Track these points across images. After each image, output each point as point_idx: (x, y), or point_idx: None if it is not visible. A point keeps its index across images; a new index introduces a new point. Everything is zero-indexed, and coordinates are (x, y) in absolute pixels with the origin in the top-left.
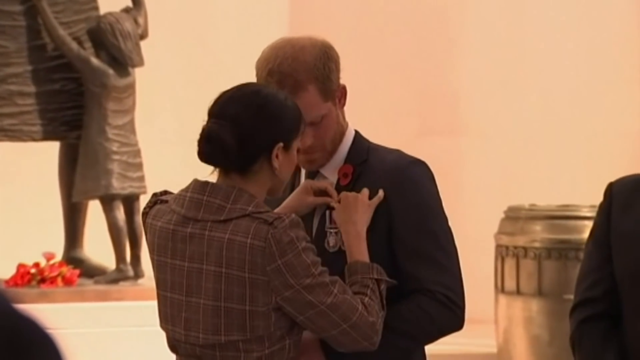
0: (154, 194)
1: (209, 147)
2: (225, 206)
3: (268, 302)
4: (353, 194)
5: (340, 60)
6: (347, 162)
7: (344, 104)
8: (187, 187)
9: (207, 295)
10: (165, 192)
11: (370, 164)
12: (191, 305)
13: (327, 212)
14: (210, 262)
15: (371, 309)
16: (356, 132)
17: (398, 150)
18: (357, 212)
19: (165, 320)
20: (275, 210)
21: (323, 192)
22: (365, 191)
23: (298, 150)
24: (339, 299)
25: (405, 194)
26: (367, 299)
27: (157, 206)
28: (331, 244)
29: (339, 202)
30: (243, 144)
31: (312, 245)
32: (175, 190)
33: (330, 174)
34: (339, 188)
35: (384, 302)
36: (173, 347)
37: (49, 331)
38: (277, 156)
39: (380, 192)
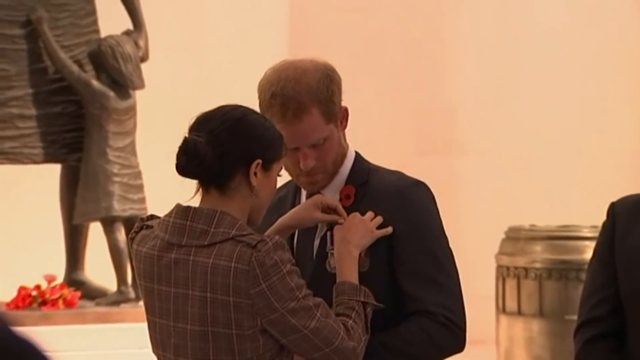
0: (140, 219)
1: (186, 159)
2: (209, 230)
3: (253, 325)
4: (359, 216)
5: (341, 82)
6: (348, 183)
7: (345, 126)
8: (170, 212)
9: (194, 320)
10: (152, 217)
11: (372, 185)
12: (178, 330)
13: (329, 234)
14: (195, 287)
15: (354, 333)
16: (356, 153)
17: (399, 172)
18: (355, 234)
19: (156, 345)
20: (280, 220)
21: (332, 210)
22: (370, 214)
23: (302, 175)
24: (321, 323)
25: (406, 215)
26: (351, 322)
27: (142, 232)
28: (332, 265)
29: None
30: (220, 156)
31: (297, 267)
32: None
33: (332, 195)
34: None
35: (369, 325)
36: None
37: (48, 354)
38: (255, 174)
39: (390, 228)
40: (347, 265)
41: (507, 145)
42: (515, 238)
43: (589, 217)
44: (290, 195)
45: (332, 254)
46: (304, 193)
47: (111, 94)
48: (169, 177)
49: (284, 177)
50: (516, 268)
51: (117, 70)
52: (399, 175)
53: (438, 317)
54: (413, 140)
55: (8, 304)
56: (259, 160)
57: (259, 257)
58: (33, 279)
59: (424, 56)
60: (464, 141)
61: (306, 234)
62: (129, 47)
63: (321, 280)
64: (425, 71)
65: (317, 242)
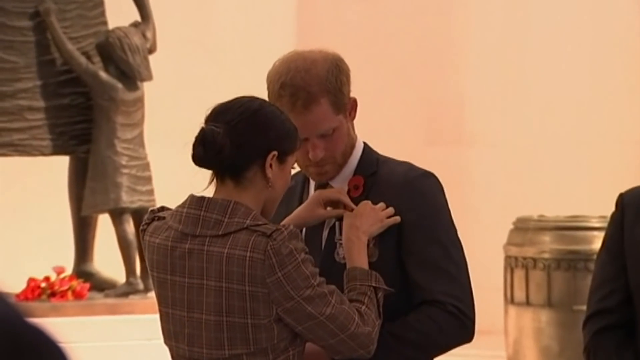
0: (151, 211)
1: (203, 150)
2: (223, 220)
3: (269, 314)
4: (370, 205)
5: (349, 72)
6: (356, 173)
7: (354, 117)
8: (184, 203)
9: (209, 310)
10: (162, 209)
11: (380, 176)
12: (193, 321)
13: (337, 224)
14: (210, 277)
15: (368, 318)
16: (365, 143)
17: (407, 162)
18: (364, 220)
19: (169, 336)
20: (285, 220)
21: (334, 203)
22: (382, 205)
23: (310, 166)
24: (337, 310)
25: (415, 206)
26: (364, 307)
27: (154, 223)
28: (341, 255)
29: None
30: (237, 147)
31: (310, 256)
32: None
33: (340, 186)
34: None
35: (381, 310)
36: None
37: (60, 344)
38: (270, 165)
39: (398, 218)
40: (356, 251)
41: (515, 136)
42: (524, 228)
43: (598, 207)
44: (298, 186)
45: (341, 244)
46: (312, 184)
47: (119, 85)
48: (177, 169)
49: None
50: (524, 258)
51: (124, 62)
52: (408, 166)
53: (447, 307)
54: (422, 131)
55: (17, 296)
56: (275, 152)
57: (275, 245)
58: (42, 271)
59: (433, 47)
60: (472, 132)
61: (314, 225)
62: (136, 39)
63: (330, 270)
64: (435, 62)
65: (325, 233)
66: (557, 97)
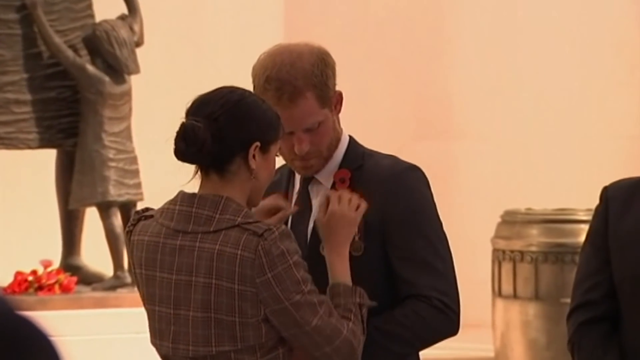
0: (136, 212)
1: (185, 145)
2: (214, 217)
3: (257, 313)
4: (338, 211)
5: (336, 65)
6: (342, 167)
7: (339, 110)
8: (175, 200)
9: (196, 306)
10: (147, 209)
11: (366, 169)
12: (180, 318)
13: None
14: (199, 274)
15: (354, 335)
16: (350, 137)
17: (393, 156)
18: (339, 232)
19: (154, 334)
20: None
21: (276, 209)
22: (346, 196)
23: (296, 159)
24: (324, 322)
25: (400, 199)
26: (350, 324)
27: (141, 222)
28: (324, 249)
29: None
30: (218, 141)
31: (304, 261)
32: (169, 197)
33: (326, 180)
34: None
35: (365, 325)
36: None
37: (50, 336)
38: (254, 156)
39: (365, 203)
40: (338, 266)
41: (503, 129)
42: (511, 222)
43: (585, 200)
44: (284, 180)
45: None
46: (297, 177)
47: (106, 79)
48: (165, 162)
49: (279, 160)
50: (512, 252)
51: (112, 55)
52: (393, 160)
53: (433, 301)
54: (410, 125)
55: (5, 289)
56: (257, 143)
57: (266, 245)
58: (29, 264)
59: (421, 41)
60: (461, 126)
61: (300, 219)
62: (124, 32)
63: (316, 264)
64: (423, 56)
65: (310, 226)
66: (546, 91)
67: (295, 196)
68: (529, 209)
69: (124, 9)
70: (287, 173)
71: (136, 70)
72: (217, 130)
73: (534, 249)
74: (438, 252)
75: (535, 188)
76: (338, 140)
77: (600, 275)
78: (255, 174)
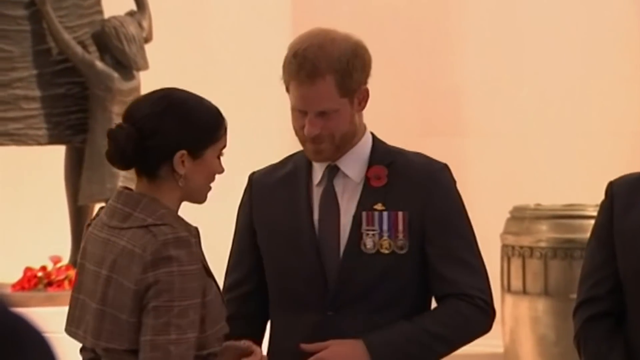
0: (100, 208)
1: (109, 149)
2: (132, 214)
3: (138, 314)
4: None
5: (371, 64)
6: (373, 163)
7: (363, 107)
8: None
9: (97, 298)
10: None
11: (399, 166)
12: (89, 307)
13: (364, 214)
14: (105, 267)
15: None
16: (372, 134)
17: (419, 153)
18: None
19: (71, 322)
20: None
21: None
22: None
23: (307, 141)
24: (159, 344)
25: (439, 199)
26: None
27: (98, 217)
28: (368, 246)
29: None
30: (140, 147)
31: (198, 272)
32: None
33: (354, 174)
34: (369, 189)
35: None
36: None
37: (43, 333)
38: (182, 163)
39: None
40: None
41: (510, 126)
42: (520, 217)
43: (594, 196)
44: (301, 173)
45: (369, 234)
46: (316, 169)
47: (115, 75)
48: None
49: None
50: (521, 247)
51: (120, 52)
52: (423, 157)
53: (475, 300)
54: (417, 122)
55: (14, 285)
56: (184, 152)
57: (155, 245)
58: (39, 260)
59: (427, 38)
60: (468, 122)
61: (328, 217)
62: (132, 28)
63: (356, 260)
64: (430, 53)
65: (346, 221)
66: (553, 87)
67: (316, 190)
68: (538, 204)
69: (132, 6)
70: (304, 164)
71: (145, 67)
72: (140, 138)
73: (543, 244)
74: (474, 251)
75: (544, 184)
76: (354, 134)
77: (606, 270)
78: (186, 179)
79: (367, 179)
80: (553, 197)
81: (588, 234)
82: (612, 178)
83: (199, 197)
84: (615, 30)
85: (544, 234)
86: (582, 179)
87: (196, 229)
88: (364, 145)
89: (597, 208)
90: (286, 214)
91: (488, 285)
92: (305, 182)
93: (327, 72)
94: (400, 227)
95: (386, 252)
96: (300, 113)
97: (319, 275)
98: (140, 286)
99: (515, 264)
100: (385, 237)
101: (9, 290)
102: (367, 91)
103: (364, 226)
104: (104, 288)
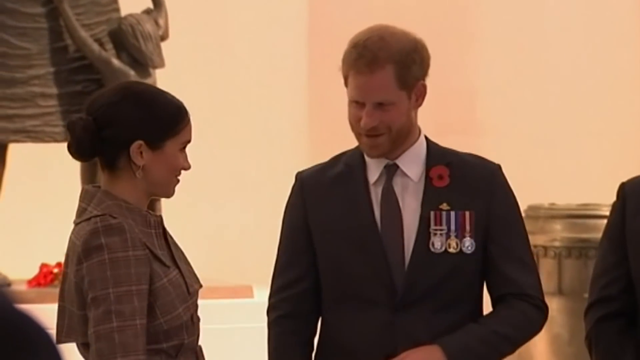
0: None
1: (69, 140)
2: (86, 209)
3: (83, 305)
4: None
5: (429, 62)
6: (432, 163)
7: (420, 104)
8: None
9: (62, 295)
10: None
11: (457, 166)
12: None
13: (433, 213)
14: (67, 264)
15: None
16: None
17: (472, 153)
18: None
19: (61, 333)
20: None
21: None
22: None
23: (363, 135)
24: (104, 334)
25: (500, 200)
26: None
27: None
28: (436, 245)
29: None
30: (97, 138)
31: (137, 258)
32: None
33: (413, 174)
34: (432, 189)
35: None
36: None
37: (48, 330)
38: (140, 154)
39: None
40: None
41: (525, 125)
42: (535, 217)
43: (608, 195)
44: (357, 173)
45: (437, 234)
46: (372, 167)
47: (132, 72)
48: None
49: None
50: (535, 246)
51: (137, 49)
52: (476, 156)
53: (536, 300)
54: (432, 120)
55: (29, 282)
56: (140, 142)
57: (86, 235)
58: (54, 257)
59: (443, 37)
60: (482, 121)
61: (390, 220)
62: (149, 26)
63: (424, 259)
64: (445, 51)
65: (410, 220)
66: (569, 85)
67: (373, 189)
68: (552, 204)
69: (149, 3)
70: (358, 163)
71: (161, 64)
72: (96, 129)
73: (557, 244)
74: (530, 251)
75: (558, 183)
76: (409, 130)
77: (618, 271)
78: (146, 171)
79: (429, 179)
80: (567, 197)
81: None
82: (626, 178)
83: (163, 191)
84: (631, 32)
85: (558, 233)
86: (596, 179)
87: (158, 218)
88: (421, 145)
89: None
90: (345, 212)
91: (541, 285)
92: (362, 180)
93: (387, 62)
94: (467, 227)
95: (453, 251)
96: (357, 105)
97: (385, 273)
98: (78, 278)
99: None
100: (452, 237)
101: (24, 287)
102: (424, 87)
103: (432, 226)
104: (62, 285)
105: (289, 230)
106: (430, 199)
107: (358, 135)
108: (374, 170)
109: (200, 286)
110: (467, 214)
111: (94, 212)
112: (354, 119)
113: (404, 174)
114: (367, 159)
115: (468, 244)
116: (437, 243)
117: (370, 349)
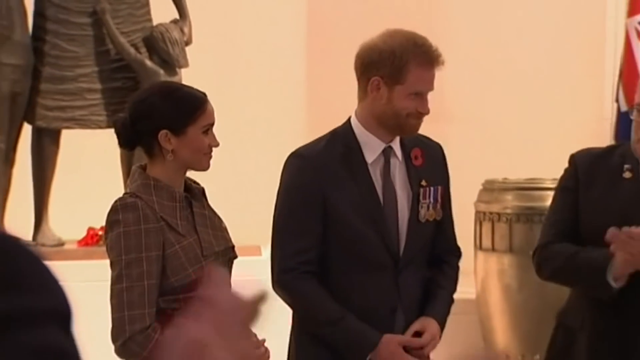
0: None
1: (117, 134)
2: (129, 186)
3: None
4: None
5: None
6: (410, 144)
7: None
8: None
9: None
10: None
11: (425, 148)
12: None
13: (421, 189)
14: None
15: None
16: None
17: (421, 134)
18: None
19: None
20: None
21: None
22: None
23: (413, 117)
24: (114, 291)
25: (448, 174)
26: None
27: None
28: (422, 216)
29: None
30: (133, 131)
31: (147, 231)
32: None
33: (399, 153)
34: (413, 168)
35: None
36: None
37: (44, 260)
38: (169, 140)
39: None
40: None
41: (485, 113)
42: (491, 189)
43: (551, 171)
44: (356, 153)
45: (422, 206)
46: (366, 149)
47: (161, 71)
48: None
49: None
50: (491, 213)
51: (166, 52)
52: (426, 137)
53: (458, 252)
54: None
55: (79, 242)
56: (165, 131)
57: (109, 211)
58: (99, 221)
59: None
60: (450, 111)
61: (388, 185)
62: (176, 33)
63: (416, 228)
64: None
65: (402, 194)
66: (522, 78)
67: (371, 168)
68: (505, 178)
69: (176, 15)
70: (354, 145)
71: (185, 65)
72: (130, 124)
73: (509, 211)
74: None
75: (510, 161)
76: None
77: (569, 214)
78: (176, 154)
79: (410, 159)
80: (517, 172)
81: (546, 203)
82: (565, 156)
83: (197, 166)
84: (580, 25)
85: (510, 202)
86: (541, 158)
87: (180, 193)
88: None
89: (554, 181)
90: (354, 190)
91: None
92: (362, 160)
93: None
94: (439, 199)
95: (431, 219)
96: (416, 96)
97: (391, 241)
98: (106, 247)
99: (486, 227)
100: (431, 208)
101: (75, 246)
102: None
103: (421, 199)
104: None
105: (302, 204)
106: (413, 176)
107: (404, 119)
108: (370, 151)
109: (230, 247)
110: (440, 188)
111: (127, 189)
112: (411, 106)
113: (395, 155)
114: (360, 140)
115: (439, 213)
116: (422, 214)
117: (379, 306)
